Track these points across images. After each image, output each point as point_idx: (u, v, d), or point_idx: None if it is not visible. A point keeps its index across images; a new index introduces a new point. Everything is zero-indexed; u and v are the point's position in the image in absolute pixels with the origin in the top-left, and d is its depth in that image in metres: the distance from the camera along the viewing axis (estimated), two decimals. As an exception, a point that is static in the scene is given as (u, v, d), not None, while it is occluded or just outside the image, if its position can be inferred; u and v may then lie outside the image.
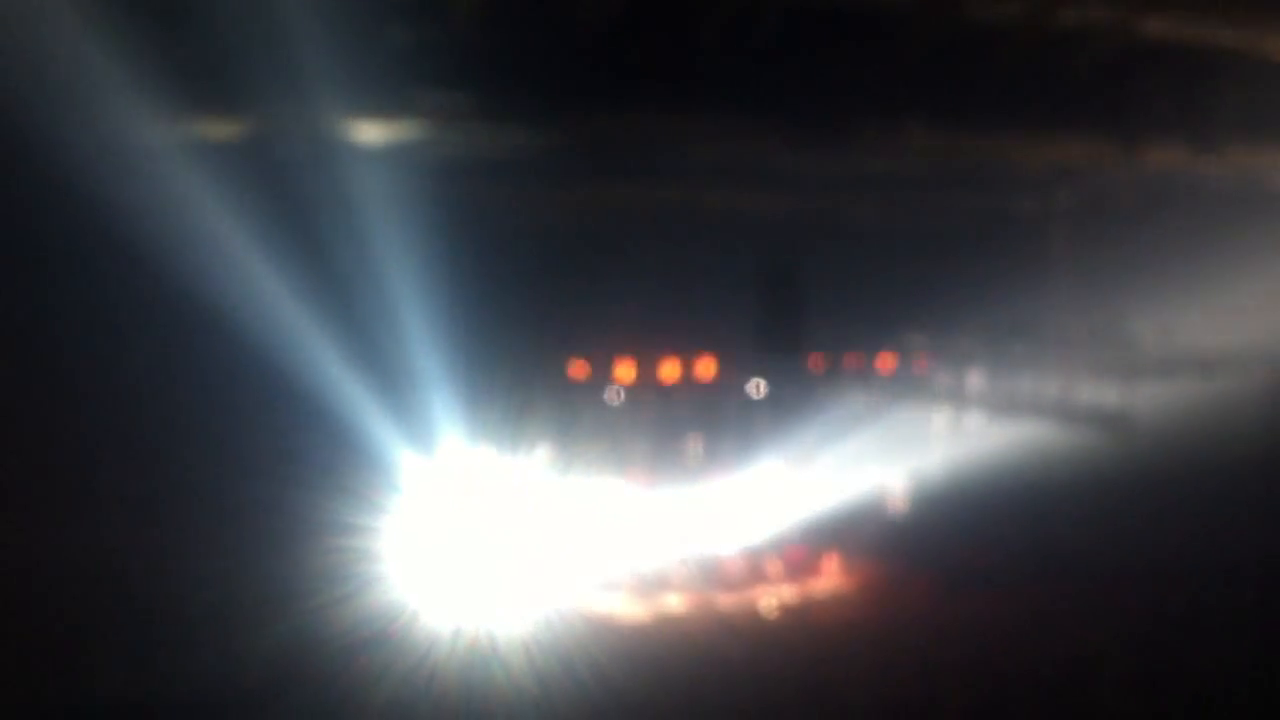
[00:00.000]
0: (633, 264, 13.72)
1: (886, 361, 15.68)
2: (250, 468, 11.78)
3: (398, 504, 12.70)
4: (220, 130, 11.80)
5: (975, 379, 15.62)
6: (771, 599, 14.78)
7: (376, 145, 12.05)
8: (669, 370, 14.90)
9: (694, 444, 15.44)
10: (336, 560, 12.40)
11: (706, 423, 15.48)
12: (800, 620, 14.23)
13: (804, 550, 15.59)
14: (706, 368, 15.03)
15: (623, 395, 14.86)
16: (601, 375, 14.73)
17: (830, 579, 15.52)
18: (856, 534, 15.85)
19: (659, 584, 14.78)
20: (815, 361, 15.43)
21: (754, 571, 15.23)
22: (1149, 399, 14.45)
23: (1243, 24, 9.52)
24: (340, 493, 12.17)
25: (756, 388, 15.41)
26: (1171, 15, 9.36)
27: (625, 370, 14.77)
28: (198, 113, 11.41)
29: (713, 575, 15.04)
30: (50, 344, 11.63)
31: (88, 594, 11.33)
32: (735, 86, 10.22)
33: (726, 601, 14.67)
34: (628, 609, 14.25)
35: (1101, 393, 14.82)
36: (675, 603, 14.57)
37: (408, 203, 12.32)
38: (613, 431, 14.97)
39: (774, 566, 15.36)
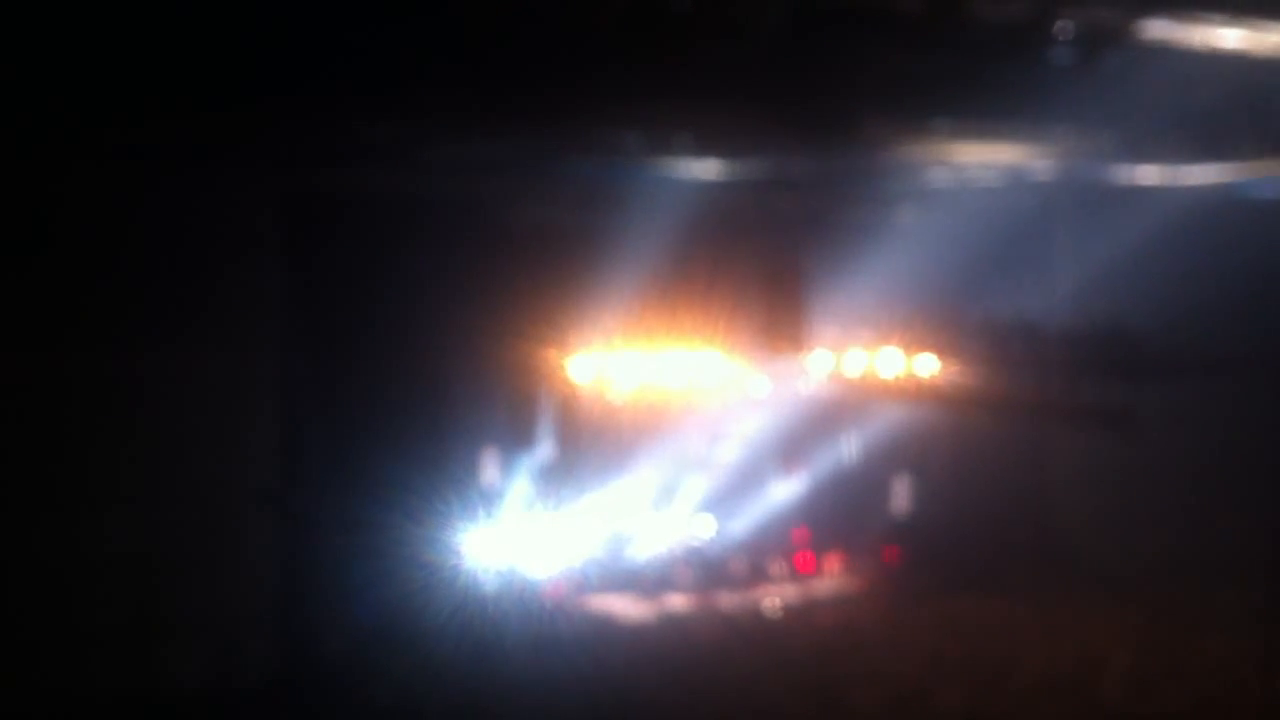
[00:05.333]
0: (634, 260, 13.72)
1: (888, 360, 15.66)
2: None
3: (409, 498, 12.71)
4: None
5: (975, 378, 15.60)
6: (774, 599, 14.79)
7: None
8: (670, 369, 14.90)
9: (694, 443, 15.43)
10: (341, 556, 12.43)
11: (707, 421, 15.47)
12: (803, 620, 14.24)
13: (806, 550, 15.59)
14: (709, 366, 15.02)
15: (624, 393, 14.86)
16: (602, 375, 14.72)
17: (832, 579, 15.52)
18: (859, 533, 15.85)
19: (662, 584, 14.78)
20: (817, 360, 15.42)
21: (756, 571, 15.23)
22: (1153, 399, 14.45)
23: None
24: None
25: (758, 387, 15.41)
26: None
27: (626, 369, 14.77)
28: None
29: (715, 575, 15.04)
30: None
31: (93, 593, 11.36)
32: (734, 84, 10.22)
33: (729, 602, 14.67)
34: (631, 609, 14.25)
35: (1104, 392, 14.81)
36: (678, 603, 14.58)
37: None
38: (614, 430, 14.96)
39: (776, 566, 15.36)
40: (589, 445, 14.73)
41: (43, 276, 11.10)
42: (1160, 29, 9.14)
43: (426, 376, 13.02)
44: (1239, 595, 13.35)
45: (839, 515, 15.72)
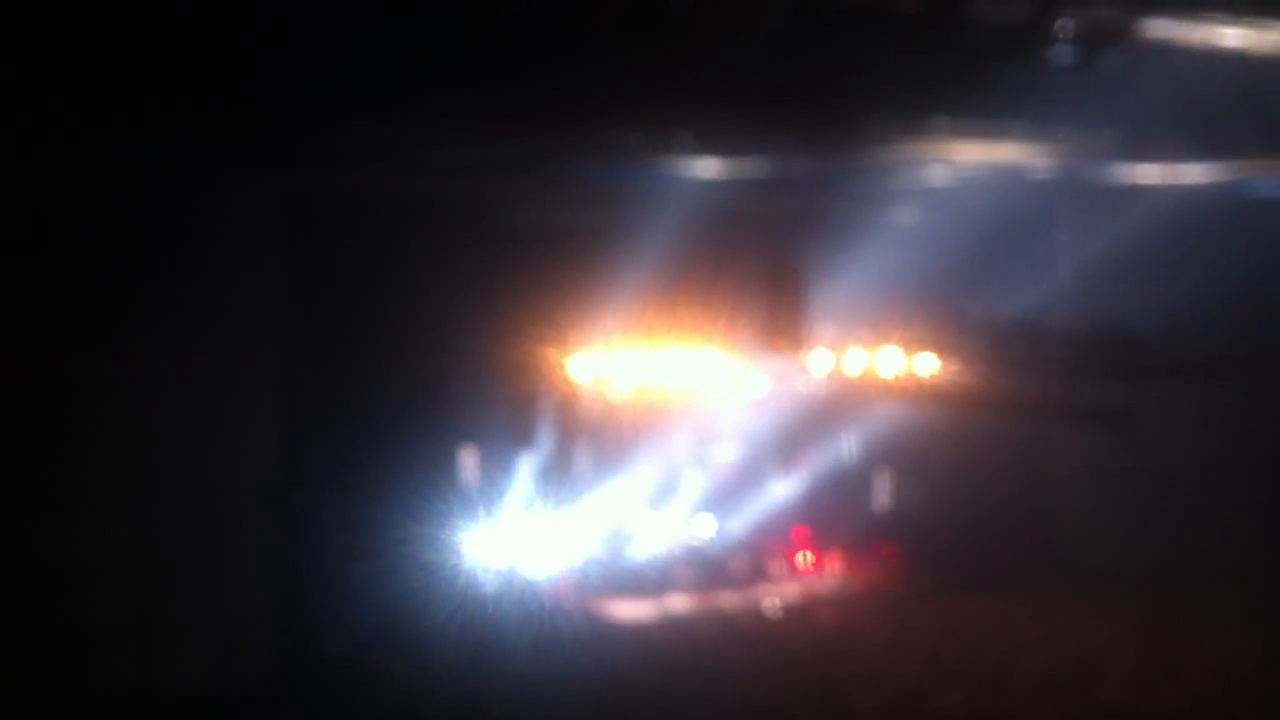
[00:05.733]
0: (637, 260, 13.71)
1: (887, 359, 15.66)
2: None
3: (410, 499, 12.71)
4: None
5: (975, 378, 15.60)
6: (774, 599, 14.78)
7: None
8: (670, 369, 14.90)
9: (694, 443, 15.43)
10: (341, 556, 12.43)
11: (707, 421, 15.48)
12: (803, 620, 14.23)
13: (806, 549, 15.59)
14: (709, 366, 15.02)
15: (624, 393, 14.86)
16: (602, 374, 14.73)
17: (832, 578, 15.52)
18: (859, 533, 15.86)
19: (662, 584, 14.77)
20: (817, 360, 15.42)
21: (756, 571, 15.23)
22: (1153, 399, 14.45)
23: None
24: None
25: (758, 386, 15.41)
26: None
27: (626, 369, 14.77)
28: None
29: (715, 575, 15.04)
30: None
31: (92, 594, 11.37)
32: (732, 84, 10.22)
33: (729, 601, 14.67)
34: (631, 609, 14.25)
35: (1104, 392, 14.81)
36: (678, 603, 14.58)
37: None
38: (614, 430, 14.97)
39: (776, 566, 15.36)
40: (589, 445, 14.73)
41: (43, 276, 11.11)
42: (1160, 28, 9.14)
43: (427, 376, 13.01)
44: (1239, 595, 13.36)
45: (839, 515, 15.72)
